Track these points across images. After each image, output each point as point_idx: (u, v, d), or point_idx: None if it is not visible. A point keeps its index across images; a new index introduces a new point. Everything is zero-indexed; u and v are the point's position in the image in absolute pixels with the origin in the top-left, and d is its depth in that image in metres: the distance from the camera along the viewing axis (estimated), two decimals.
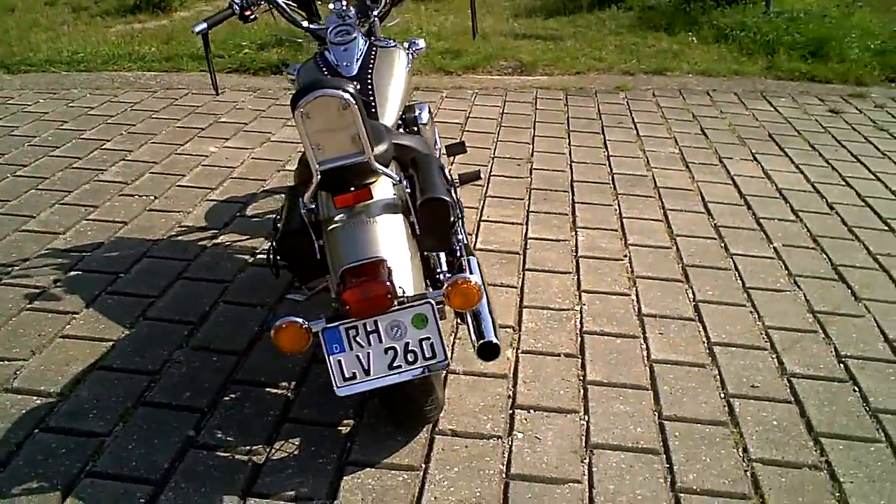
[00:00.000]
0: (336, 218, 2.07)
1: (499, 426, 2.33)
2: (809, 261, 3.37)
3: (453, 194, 2.25)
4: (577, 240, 3.47)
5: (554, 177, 4.17)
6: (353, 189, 2.04)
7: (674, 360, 2.67)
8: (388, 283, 1.83)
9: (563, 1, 8.27)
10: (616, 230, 3.58)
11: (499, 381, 2.52)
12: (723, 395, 2.51)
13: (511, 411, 2.40)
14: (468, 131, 4.80)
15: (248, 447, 2.23)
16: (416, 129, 2.92)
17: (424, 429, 2.30)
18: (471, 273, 2.15)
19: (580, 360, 2.65)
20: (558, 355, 2.67)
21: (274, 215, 3.52)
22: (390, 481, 2.12)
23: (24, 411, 2.35)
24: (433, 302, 1.88)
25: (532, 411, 2.41)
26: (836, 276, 3.26)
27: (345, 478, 2.13)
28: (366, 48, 2.80)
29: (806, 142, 4.86)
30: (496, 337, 2.00)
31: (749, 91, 5.92)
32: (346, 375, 1.88)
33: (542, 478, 2.15)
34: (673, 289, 3.10)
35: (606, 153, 4.53)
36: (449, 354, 1.95)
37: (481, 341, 1.99)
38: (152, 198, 3.77)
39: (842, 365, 2.69)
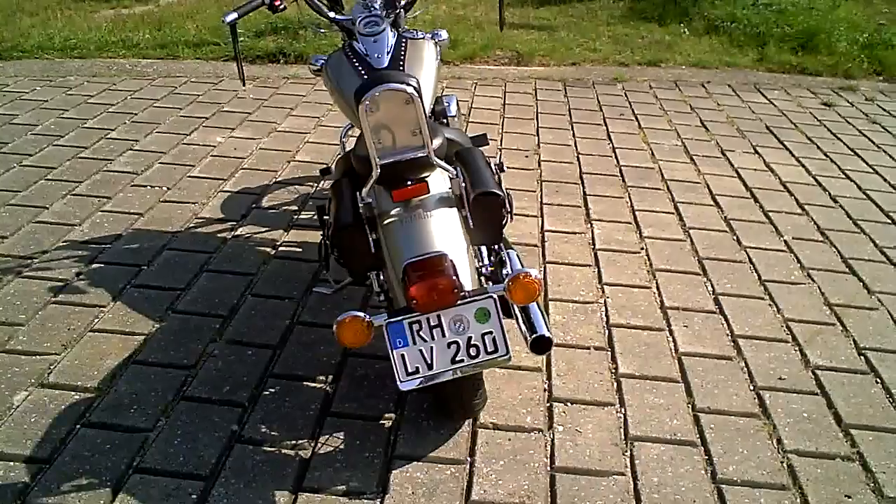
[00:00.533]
0: (392, 212, 2.08)
1: (538, 420, 2.37)
2: (820, 254, 3.45)
3: (503, 187, 2.26)
4: (593, 232, 3.51)
5: (562, 168, 4.21)
6: (409, 183, 2.05)
7: (701, 352, 2.72)
8: (454, 278, 1.86)
9: None
10: (630, 223, 3.63)
11: (534, 374, 2.56)
12: (752, 388, 2.57)
13: (549, 404, 2.44)
14: (472, 122, 4.81)
15: (293, 442, 2.25)
16: (445, 120, 2.93)
17: (466, 422, 2.33)
18: (522, 266, 2.18)
19: (610, 353, 2.70)
20: (588, 349, 2.71)
21: (290, 206, 3.53)
22: (439, 475, 2.15)
23: (63, 407, 2.34)
24: (495, 297, 1.91)
25: (569, 404, 2.45)
26: (846, 269, 3.34)
27: (393, 472, 2.15)
28: (395, 40, 2.80)
29: (803, 134, 4.94)
30: (548, 330, 2.03)
31: (742, 83, 6.00)
32: (410, 370, 1.90)
33: (587, 470, 2.20)
34: (692, 282, 3.16)
35: (612, 145, 4.57)
36: (511, 349, 1.98)
37: (534, 335, 2.02)
38: (165, 189, 3.75)
39: (862, 357, 2.76)
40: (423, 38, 2.88)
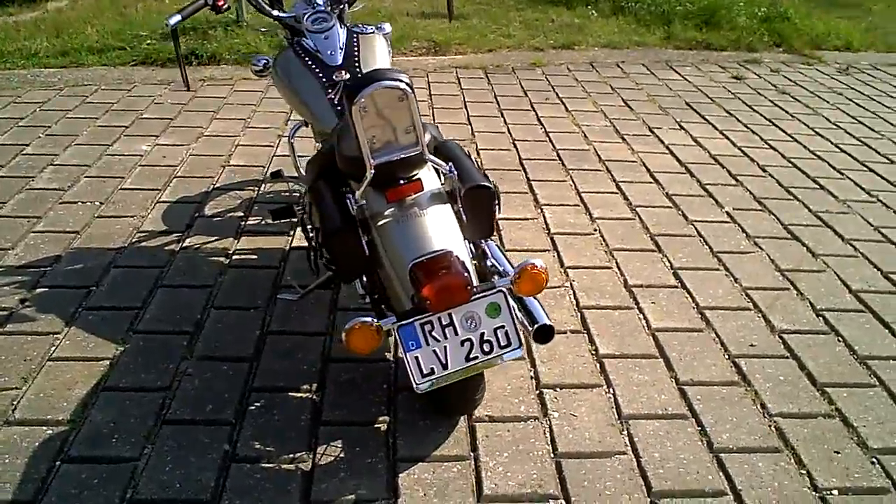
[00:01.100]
0: (386, 213, 2.03)
1: (532, 407, 2.38)
2: (762, 222, 3.58)
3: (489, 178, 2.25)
4: (545, 217, 3.54)
5: (502, 156, 4.22)
6: (402, 182, 2.01)
7: (673, 327, 2.79)
8: (465, 275, 1.83)
9: None
10: (578, 205, 3.67)
11: (517, 363, 2.56)
12: (727, 357, 2.65)
13: (539, 392, 2.45)
14: None
15: (290, 455, 2.18)
16: None
17: (461, 418, 2.31)
18: (504, 257, 2.17)
19: (587, 336, 2.73)
20: (565, 332, 2.73)
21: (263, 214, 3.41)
22: (446, 473, 2.12)
23: (37, 443, 2.19)
24: (505, 290, 1.89)
25: (559, 389, 2.46)
26: (789, 234, 3.48)
27: (400, 475, 2.12)
28: (346, 35, 2.75)
29: (721, 108, 5.13)
30: (549, 318, 2.03)
31: (654, 61, 6.17)
32: (425, 371, 1.87)
33: (590, 453, 2.21)
34: (650, 258, 3.22)
35: (544, 129, 4.61)
36: (523, 341, 1.97)
37: (536, 325, 2.01)
38: (98, 204, 3.55)
39: (821, 318, 2.89)
40: (372, 32, 2.83)
